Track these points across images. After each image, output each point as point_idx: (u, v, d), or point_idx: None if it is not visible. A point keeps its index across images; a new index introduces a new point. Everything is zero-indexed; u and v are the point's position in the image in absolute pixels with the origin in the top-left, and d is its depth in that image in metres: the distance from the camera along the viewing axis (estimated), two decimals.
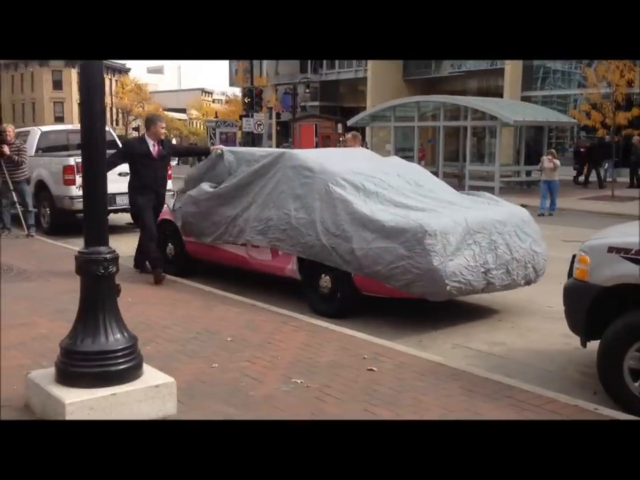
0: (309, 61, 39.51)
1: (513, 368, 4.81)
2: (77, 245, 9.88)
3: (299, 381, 4.26)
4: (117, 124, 65.22)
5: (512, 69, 27.70)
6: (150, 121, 7.67)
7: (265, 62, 40.83)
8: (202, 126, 68.70)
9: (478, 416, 3.73)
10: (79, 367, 3.63)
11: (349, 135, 10.05)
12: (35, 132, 12.66)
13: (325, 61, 38.87)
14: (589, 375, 4.65)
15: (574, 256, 4.69)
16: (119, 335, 3.73)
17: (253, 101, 29.43)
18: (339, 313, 6.07)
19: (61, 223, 11.10)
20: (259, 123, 28.77)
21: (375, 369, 4.50)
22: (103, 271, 3.74)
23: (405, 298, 5.82)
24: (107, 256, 3.76)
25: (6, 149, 10.18)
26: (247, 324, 5.60)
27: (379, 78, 33.45)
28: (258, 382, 4.27)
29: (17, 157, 10.31)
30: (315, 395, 4.05)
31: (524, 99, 27.57)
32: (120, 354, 3.69)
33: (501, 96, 27.52)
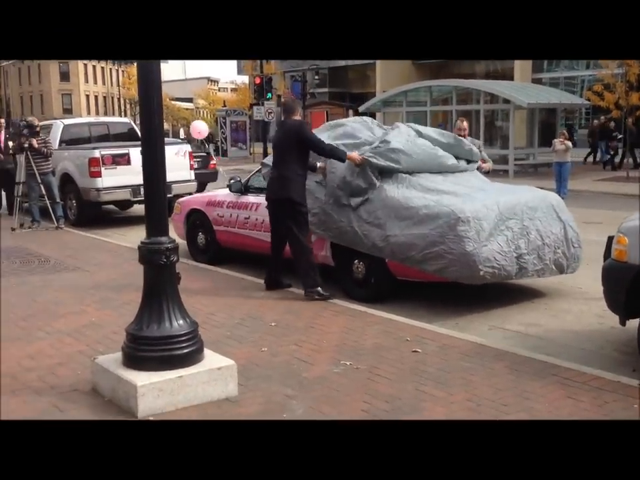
0: None
1: (552, 348, 4.95)
2: (104, 235, 10.12)
3: (347, 363, 4.42)
4: (124, 114, 65.39)
5: None
6: (297, 104, 6.63)
7: None
8: (209, 115, 68.76)
9: (526, 394, 3.89)
10: (145, 351, 3.82)
11: (464, 123, 8.39)
12: (58, 125, 12.82)
13: None
14: (626, 353, 4.80)
15: (610, 238, 4.84)
16: (181, 321, 3.91)
17: (263, 88, 29.49)
18: (374, 298, 6.21)
19: (88, 214, 11.28)
20: (269, 111, 28.84)
21: (419, 350, 4.66)
22: (165, 260, 3.90)
23: (440, 282, 5.97)
24: (168, 245, 3.92)
25: (34, 142, 10.36)
26: (288, 309, 5.77)
27: (387, 63, 33.35)
28: (309, 364, 4.43)
29: (45, 150, 10.50)
30: (366, 376, 4.21)
31: (534, 81, 27.54)
32: (183, 338, 3.86)
33: (511, 78, 27.50)
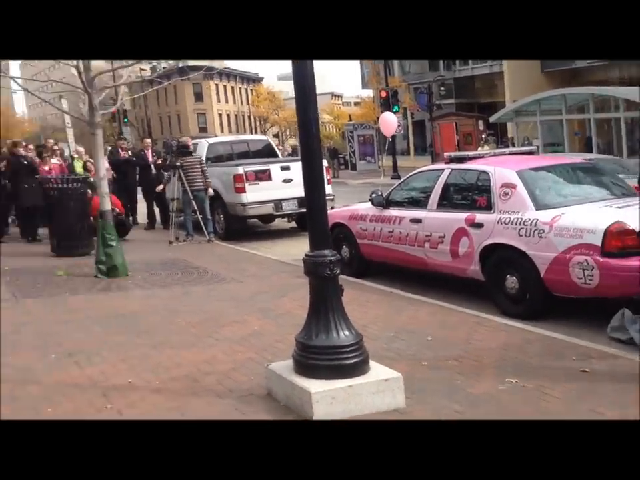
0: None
1: None
2: (251, 248, 10.60)
3: (513, 381, 4.37)
4: (255, 132, 68.00)
5: None
6: None
7: (395, 61, 40.98)
8: (334, 129, 70.01)
9: None
10: (315, 359, 3.97)
11: None
12: (203, 144, 13.60)
13: None
14: None
15: None
16: (347, 332, 4.04)
17: (389, 102, 29.67)
18: (529, 314, 6.07)
19: (235, 228, 11.88)
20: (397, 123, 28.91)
21: (587, 370, 4.53)
22: (329, 272, 4.04)
23: (597, 298, 5.75)
24: (332, 258, 4.05)
25: (186, 161, 11.13)
26: (441, 324, 5.79)
27: (516, 72, 32.43)
28: (472, 380, 4.42)
29: (201, 168, 11.23)
30: (535, 394, 4.13)
31: None
32: (350, 349, 3.98)
33: None
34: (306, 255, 4.16)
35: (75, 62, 8.05)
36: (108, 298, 7.14)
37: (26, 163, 11.67)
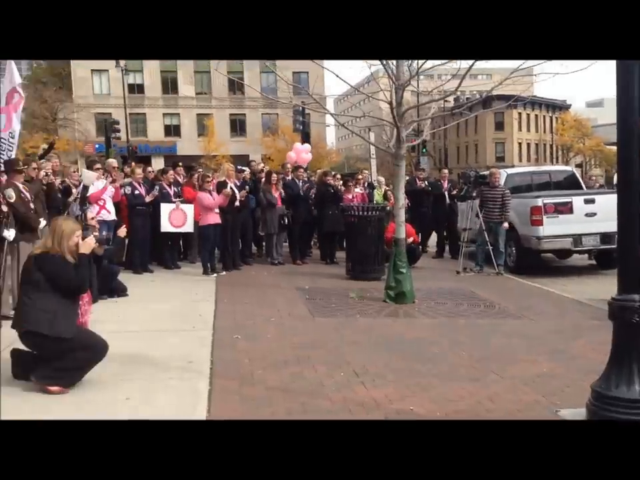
0: None
1: None
2: (543, 284, 10.07)
3: None
4: (556, 161, 65.00)
5: None
6: None
7: None
8: None
9: None
10: (611, 412, 3.66)
11: None
12: (502, 174, 13.30)
13: None
14: None
15: None
16: None
17: None
18: None
19: (527, 262, 11.41)
20: None
21: None
22: (638, 319, 3.70)
23: None
24: None
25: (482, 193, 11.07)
26: None
27: None
28: None
29: (503, 200, 11.07)
30: None
31: None
32: None
33: None
34: (612, 298, 3.89)
35: (387, 97, 8.46)
36: (394, 323, 7.33)
37: (332, 191, 12.64)
